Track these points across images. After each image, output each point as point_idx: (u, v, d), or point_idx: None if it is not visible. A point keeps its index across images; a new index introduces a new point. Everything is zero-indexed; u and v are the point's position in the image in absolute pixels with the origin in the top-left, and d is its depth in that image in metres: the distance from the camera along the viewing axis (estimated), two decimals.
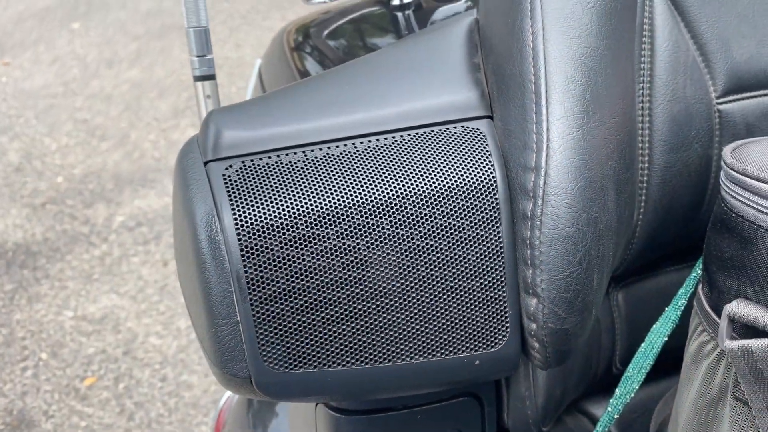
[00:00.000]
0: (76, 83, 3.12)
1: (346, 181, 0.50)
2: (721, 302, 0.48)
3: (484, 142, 0.52)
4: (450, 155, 0.52)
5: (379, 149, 0.52)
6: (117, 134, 2.74)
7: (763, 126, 0.60)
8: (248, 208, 0.49)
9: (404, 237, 0.50)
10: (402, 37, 0.90)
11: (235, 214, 0.49)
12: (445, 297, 0.51)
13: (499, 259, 0.51)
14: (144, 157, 2.59)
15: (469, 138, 0.52)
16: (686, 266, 0.67)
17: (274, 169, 0.51)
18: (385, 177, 0.51)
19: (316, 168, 0.51)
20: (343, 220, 0.50)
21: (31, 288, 2.04)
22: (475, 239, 0.51)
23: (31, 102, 3.00)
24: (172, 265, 2.07)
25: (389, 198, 0.50)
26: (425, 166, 0.51)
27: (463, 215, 0.51)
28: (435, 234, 0.51)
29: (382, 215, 0.50)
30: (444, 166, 0.51)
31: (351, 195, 0.50)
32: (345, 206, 0.50)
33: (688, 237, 0.63)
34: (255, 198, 0.49)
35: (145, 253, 2.14)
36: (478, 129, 0.53)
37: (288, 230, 0.49)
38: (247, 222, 0.49)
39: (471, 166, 0.51)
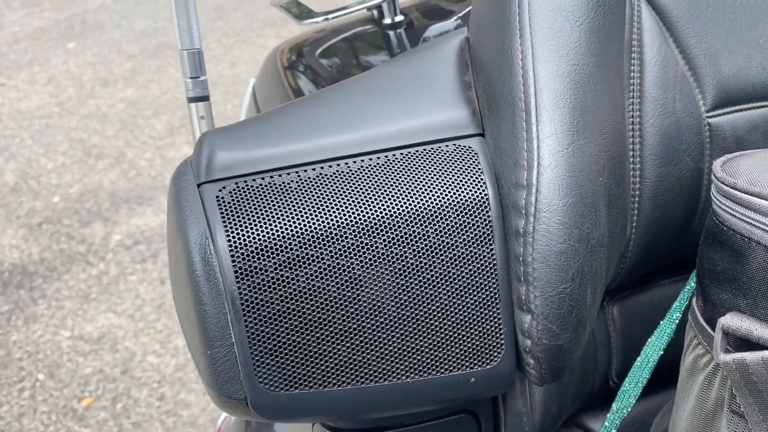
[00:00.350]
0: (72, 103, 3.12)
1: (339, 201, 0.50)
2: (716, 315, 0.48)
3: (476, 160, 0.52)
4: (442, 173, 0.52)
5: (371, 169, 0.52)
6: (113, 153, 2.74)
7: (752, 139, 0.61)
8: (242, 230, 0.49)
9: (398, 256, 0.50)
10: (394, 55, 0.90)
11: (228, 235, 0.49)
12: (439, 315, 0.51)
13: (493, 276, 0.51)
14: (140, 176, 2.59)
15: (461, 156, 0.53)
16: (680, 279, 0.67)
17: (267, 190, 0.51)
18: (379, 196, 0.51)
19: (309, 188, 0.51)
20: (337, 240, 0.50)
21: (27, 308, 2.03)
22: (469, 257, 0.51)
23: (27, 122, 3.00)
24: (170, 284, 2.06)
25: (383, 217, 0.50)
26: (418, 184, 0.51)
27: (456, 233, 0.51)
28: (429, 252, 0.51)
29: (375, 234, 0.50)
30: (437, 185, 0.51)
31: (344, 215, 0.50)
32: (339, 226, 0.50)
33: (681, 250, 0.63)
34: (248, 219, 0.50)
35: (142, 271, 2.13)
36: (470, 147, 0.53)
37: (282, 251, 0.49)
38: (240, 243, 0.49)
39: (463, 184, 0.52)
